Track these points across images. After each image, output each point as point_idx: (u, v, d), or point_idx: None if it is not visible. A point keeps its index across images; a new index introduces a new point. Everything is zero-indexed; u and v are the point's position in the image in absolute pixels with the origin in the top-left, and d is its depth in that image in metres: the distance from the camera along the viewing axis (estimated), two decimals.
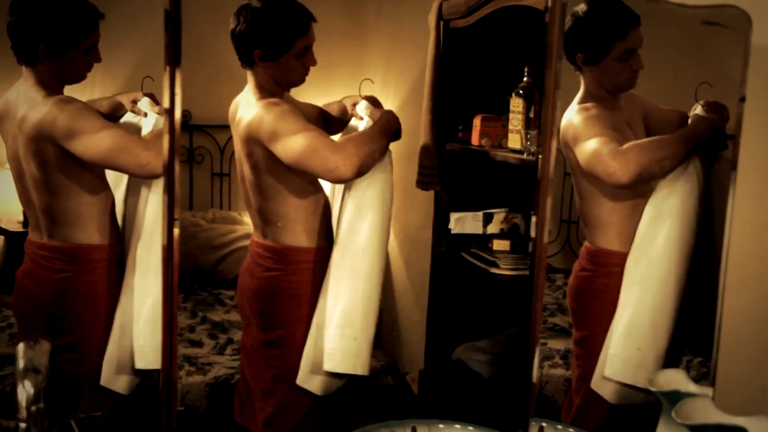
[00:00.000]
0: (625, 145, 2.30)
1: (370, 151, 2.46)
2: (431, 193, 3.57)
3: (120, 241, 2.53)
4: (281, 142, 2.38)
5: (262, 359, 2.61)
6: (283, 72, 2.48)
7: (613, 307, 2.44)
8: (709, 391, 1.89)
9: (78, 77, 2.40)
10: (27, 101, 2.35)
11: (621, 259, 2.43)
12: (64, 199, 2.37)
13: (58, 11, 2.30)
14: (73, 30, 2.31)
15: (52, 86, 2.37)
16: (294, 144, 2.37)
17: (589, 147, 2.35)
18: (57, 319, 2.45)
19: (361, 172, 2.44)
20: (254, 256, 2.61)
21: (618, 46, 2.34)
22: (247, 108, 2.48)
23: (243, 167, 2.53)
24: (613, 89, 2.42)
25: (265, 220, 2.56)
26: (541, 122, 1.74)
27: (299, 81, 2.54)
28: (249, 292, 2.62)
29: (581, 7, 2.34)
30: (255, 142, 2.44)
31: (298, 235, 2.54)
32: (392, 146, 4.24)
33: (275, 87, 2.50)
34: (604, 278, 2.47)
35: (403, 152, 4.17)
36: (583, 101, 2.44)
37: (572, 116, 2.41)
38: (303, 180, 2.50)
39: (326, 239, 2.60)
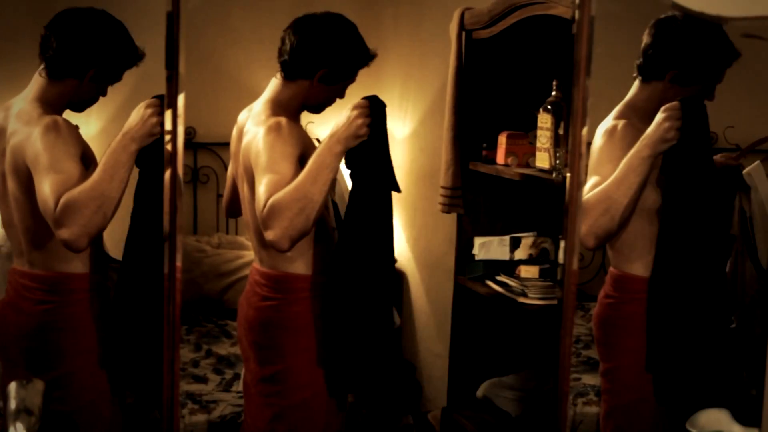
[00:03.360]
0: (582, 201, 2.29)
1: (299, 211, 2.27)
2: (453, 215, 3.59)
3: (106, 270, 2.55)
4: (258, 173, 2.38)
5: (261, 396, 2.59)
6: (322, 98, 2.54)
7: (639, 336, 2.43)
8: None
9: (88, 102, 2.50)
10: (23, 115, 2.39)
11: (645, 284, 2.43)
12: (45, 224, 2.35)
13: (111, 38, 2.43)
14: (124, 61, 2.46)
15: (53, 106, 2.42)
16: (257, 186, 2.36)
17: (585, 188, 2.34)
18: (38, 354, 2.45)
19: (295, 241, 2.32)
20: (252, 284, 2.61)
21: (712, 80, 2.38)
22: (255, 121, 2.50)
23: (243, 184, 2.53)
24: None
25: (263, 243, 2.53)
26: (570, 140, 1.75)
27: (322, 108, 2.60)
28: (245, 323, 2.61)
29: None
30: (248, 161, 2.45)
31: (296, 261, 2.52)
32: (411, 166, 4.28)
33: (297, 104, 2.54)
34: (629, 305, 2.47)
35: (424, 172, 4.20)
36: (620, 114, 2.44)
37: (599, 135, 2.42)
38: None
39: (324, 267, 2.55)
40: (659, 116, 2.28)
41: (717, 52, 2.37)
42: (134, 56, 2.47)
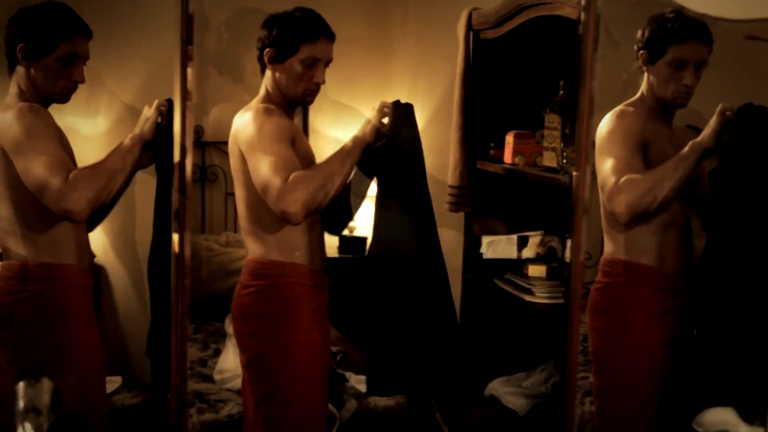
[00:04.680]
0: (622, 180, 2.34)
1: (320, 186, 2.40)
2: (460, 214, 3.59)
3: (87, 262, 2.53)
4: (251, 158, 2.43)
5: (245, 384, 2.63)
6: (288, 79, 2.53)
7: (620, 318, 2.48)
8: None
9: (54, 90, 2.44)
10: (2, 108, 2.41)
11: (625, 268, 2.48)
12: (21, 210, 2.38)
13: (39, 13, 2.42)
14: (49, 31, 2.40)
15: (31, 99, 2.42)
16: (258, 167, 2.41)
17: (603, 170, 2.39)
18: (12, 346, 2.40)
19: (311, 213, 2.42)
20: (242, 275, 2.65)
21: (673, 49, 2.38)
22: (244, 110, 2.53)
23: (235, 180, 2.57)
24: (661, 99, 2.46)
25: (251, 232, 2.58)
26: (576, 140, 1.75)
27: (301, 97, 2.56)
28: (231, 313, 2.66)
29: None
30: (236, 148, 2.50)
31: (273, 247, 2.54)
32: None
33: (280, 97, 2.55)
34: (610, 290, 2.51)
35: (432, 171, 4.19)
36: (630, 103, 2.49)
37: (608, 118, 2.46)
38: None
39: (309, 257, 2.57)
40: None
41: (660, 24, 2.40)
42: (70, 27, 2.42)
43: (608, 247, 2.53)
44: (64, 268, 2.46)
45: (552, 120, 2.99)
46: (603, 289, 2.54)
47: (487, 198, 3.54)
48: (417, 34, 4.33)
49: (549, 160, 3.05)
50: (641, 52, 2.45)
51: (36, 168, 2.30)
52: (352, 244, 4.29)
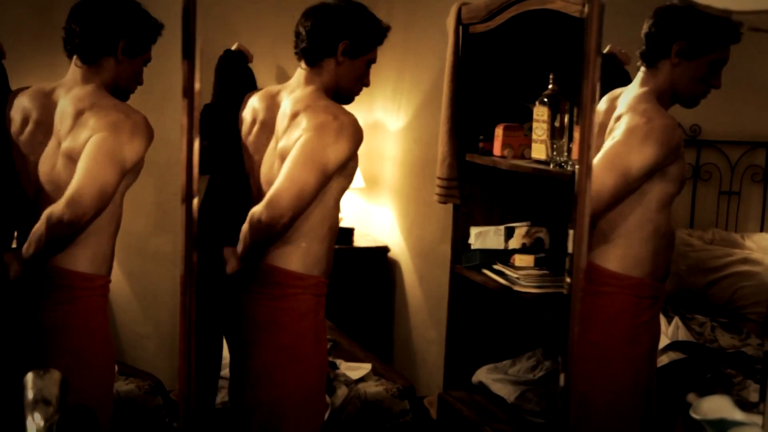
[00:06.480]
0: None
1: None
2: (448, 206, 3.55)
3: (111, 269, 2.37)
4: (312, 154, 2.26)
5: (237, 389, 2.47)
6: (350, 77, 2.41)
7: (605, 329, 2.36)
8: (758, 419, 1.86)
9: (130, 89, 2.38)
10: (85, 101, 2.26)
11: (614, 279, 2.35)
12: None
13: (143, 11, 2.34)
14: (150, 32, 2.35)
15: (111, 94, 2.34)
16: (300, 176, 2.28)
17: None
18: (27, 352, 2.28)
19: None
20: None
21: (721, 51, 2.27)
22: (308, 103, 2.34)
23: (271, 167, 2.39)
24: (681, 95, 2.33)
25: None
26: (581, 134, 1.71)
27: (352, 97, 2.47)
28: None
29: None
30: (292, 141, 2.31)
31: (292, 257, 2.36)
32: (405, 157, 4.24)
33: (333, 92, 2.40)
34: (596, 299, 2.35)
35: (417, 163, 4.16)
36: (659, 102, 2.30)
37: (634, 110, 2.27)
38: (319, 198, 2.34)
39: (324, 267, 2.41)
40: None
41: (720, 22, 2.25)
42: (155, 26, 2.37)
43: (596, 255, 2.36)
44: (96, 279, 2.32)
45: (541, 113, 2.95)
46: (588, 298, 2.34)
47: (476, 189, 3.50)
48: (402, 27, 4.27)
49: (537, 152, 3.01)
50: (678, 42, 2.26)
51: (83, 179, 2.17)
52: (340, 234, 4.25)
